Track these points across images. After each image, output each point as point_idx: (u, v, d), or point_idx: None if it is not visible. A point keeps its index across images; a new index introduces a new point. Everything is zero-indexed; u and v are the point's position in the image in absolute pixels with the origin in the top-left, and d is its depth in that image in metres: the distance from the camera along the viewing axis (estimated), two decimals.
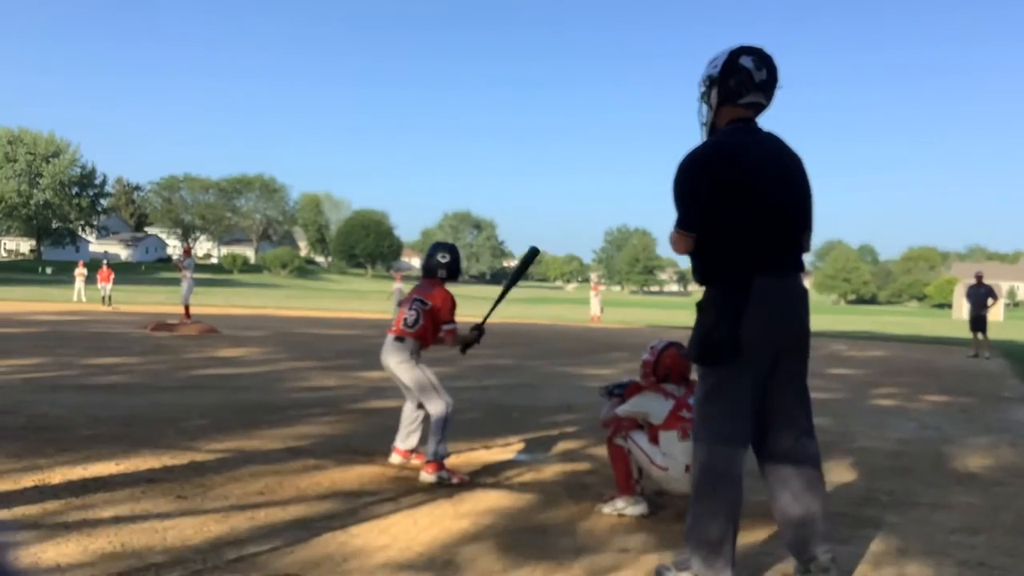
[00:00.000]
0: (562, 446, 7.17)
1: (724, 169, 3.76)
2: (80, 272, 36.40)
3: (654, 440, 5.08)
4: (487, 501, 5.21)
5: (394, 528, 4.55)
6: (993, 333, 22.07)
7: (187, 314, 20.64)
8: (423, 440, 6.03)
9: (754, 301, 3.67)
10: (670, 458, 5.10)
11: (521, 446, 7.09)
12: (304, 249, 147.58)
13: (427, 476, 5.69)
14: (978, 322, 21.09)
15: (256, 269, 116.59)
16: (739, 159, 3.78)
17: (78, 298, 35.00)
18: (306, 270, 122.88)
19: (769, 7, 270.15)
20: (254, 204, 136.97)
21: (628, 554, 4.26)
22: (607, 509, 5.08)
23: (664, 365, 5.34)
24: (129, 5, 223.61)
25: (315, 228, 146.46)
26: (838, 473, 6.29)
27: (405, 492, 5.33)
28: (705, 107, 3.98)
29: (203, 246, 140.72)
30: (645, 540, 4.51)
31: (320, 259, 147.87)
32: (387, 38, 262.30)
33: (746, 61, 3.81)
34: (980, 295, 21.33)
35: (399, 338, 6.02)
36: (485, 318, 6.26)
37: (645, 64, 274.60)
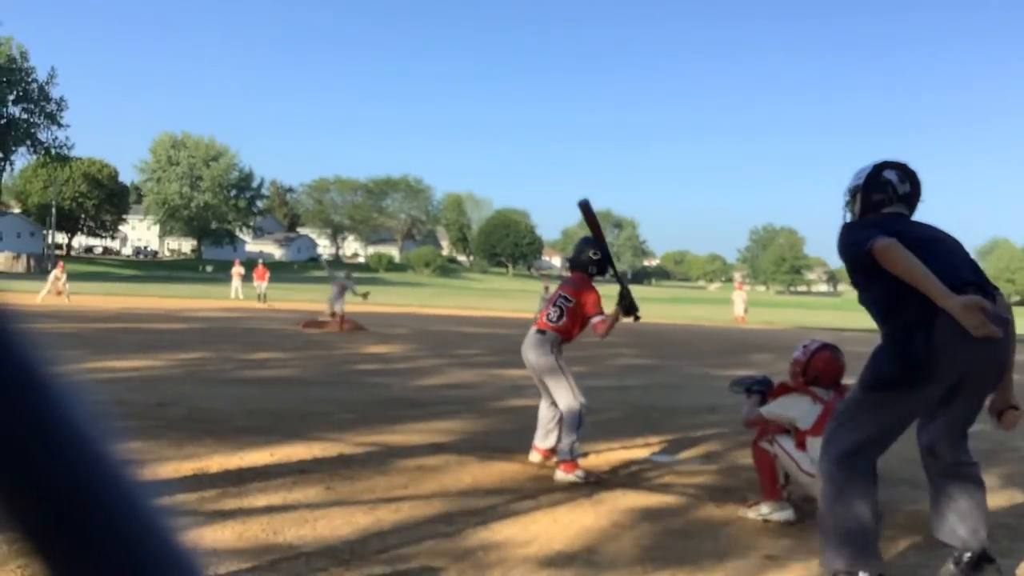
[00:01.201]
0: (703, 448, 7.05)
1: (888, 224, 3.78)
2: (237, 271, 37.90)
3: (801, 445, 4.93)
4: (627, 501, 5.18)
5: (534, 526, 4.57)
6: None
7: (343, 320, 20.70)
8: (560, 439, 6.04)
9: (949, 322, 3.44)
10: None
11: (661, 447, 7.01)
12: (446, 248, 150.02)
13: (563, 475, 5.70)
14: None
15: (401, 268, 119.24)
16: (897, 223, 3.83)
17: (235, 295, 36.48)
18: (448, 269, 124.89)
19: None
20: (399, 204, 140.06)
21: (774, 561, 4.16)
22: (751, 514, 4.96)
23: (815, 367, 5.18)
24: (274, 6, 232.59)
25: (457, 227, 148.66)
26: (999, 483, 5.97)
27: (545, 490, 5.36)
28: (848, 214, 4.11)
29: (351, 246, 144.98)
30: (791, 546, 4.39)
31: (462, 258, 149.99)
32: (528, 36, 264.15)
33: (890, 175, 3.99)
34: None
35: (541, 331, 6.06)
36: (622, 283, 6.22)
37: (793, 58, 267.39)
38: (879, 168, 4.03)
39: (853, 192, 4.09)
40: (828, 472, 3.75)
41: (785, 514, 4.92)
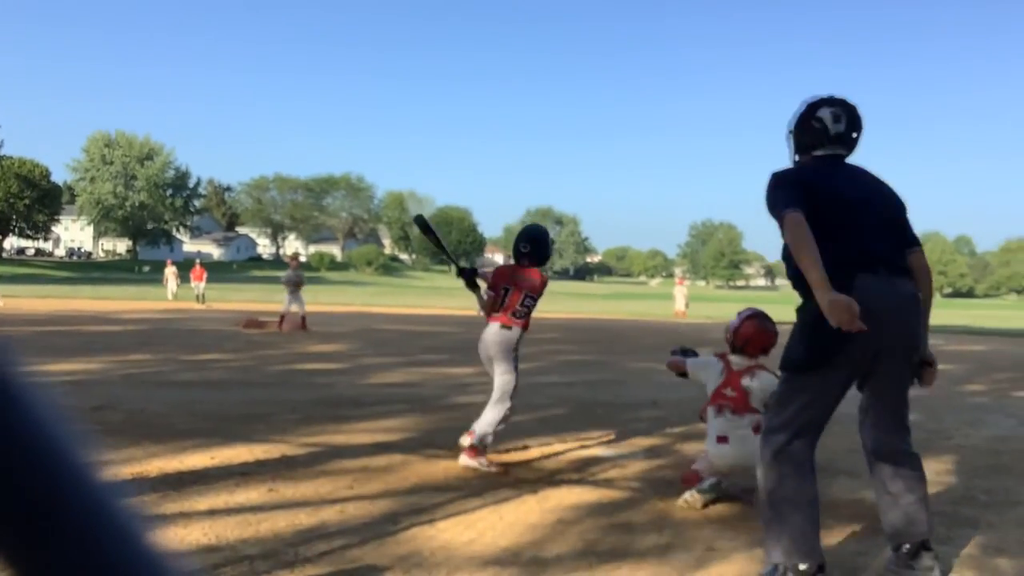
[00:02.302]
0: (647, 442, 7.12)
1: (811, 179, 3.76)
2: (171, 271, 37.22)
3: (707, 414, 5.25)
4: (572, 497, 5.21)
5: (480, 523, 4.58)
6: None
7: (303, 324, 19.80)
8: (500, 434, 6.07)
9: (858, 301, 3.44)
10: (709, 432, 5.18)
11: (606, 442, 7.06)
12: (389, 246, 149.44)
13: (466, 460, 5.82)
14: None
15: (343, 267, 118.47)
16: (823, 176, 3.81)
17: (172, 296, 35.94)
18: (391, 267, 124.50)
19: None
20: (340, 203, 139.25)
21: (717, 553, 4.21)
22: (679, 502, 5.05)
23: (743, 335, 5.29)
24: (212, 4, 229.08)
25: (399, 225, 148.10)
26: (934, 471, 6.11)
27: (490, 488, 5.36)
28: (792, 156, 4.07)
29: (292, 245, 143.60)
30: (735, 538, 4.45)
31: (404, 256, 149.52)
32: (468, 36, 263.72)
33: (824, 113, 3.86)
34: None
35: (506, 326, 6.14)
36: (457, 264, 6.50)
37: (730, 55, 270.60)
38: (812, 107, 3.90)
39: (788, 134, 4.04)
40: (766, 462, 3.76)
41: (693, 497, 5.02)
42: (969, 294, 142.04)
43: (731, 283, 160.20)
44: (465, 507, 4.89)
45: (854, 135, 3.91)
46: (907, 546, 3.80)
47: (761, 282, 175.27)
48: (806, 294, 3.63)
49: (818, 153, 3.89)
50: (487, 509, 4.87)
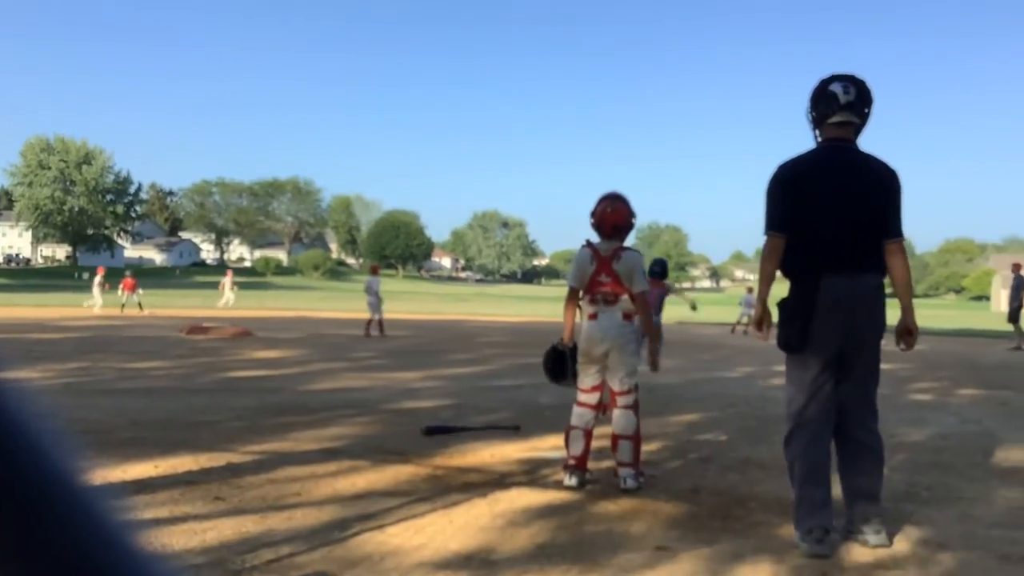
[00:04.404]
0: (595, 444, 7.13)
1: (802, 179, 4.43)
2: (97, 280, 34.50)
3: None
4: (522, 500, 5.21)
5: (430, 528, 4.55)
6: None
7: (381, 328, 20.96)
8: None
9: (823, 298, 4.31)
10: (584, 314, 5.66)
11: (554, 444, 7.06)
12: (335, 251, 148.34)
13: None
14: (1012, 314, 20.82)
15: (289, 272, 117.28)
16: (815, 172, 4.44)
17: (92, 303, 33.44)
18: (338, 272, 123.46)
19: None
20: (286, 207, 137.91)
21: (666, 551, 4.24)
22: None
23: (597, 215, 5.71)
24: (154, 7, 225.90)
25: (346, 230, 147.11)
26: None
27: (440, 492, 5.34)
28: (813, 132, 4.59)
29: (236, 250, 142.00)
30: (682, 537, 4.48)
31: (351, 260, 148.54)
32: (412, 38, 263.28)
33: (835, 87, 4.40)
34: (1014, 286, 21.08)
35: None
36: None
37: (674, 57, 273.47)
38: (825, 82, 4.45)
39: (808, 107, 4.53)
40: (785, 441, 4.52)
41: (568, 480, 5.49)
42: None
43: (678, 285, 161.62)
44: (415, 511, 4.86)
45: (865, 108, 4.45)
46: (861, 516, 4.34)
47: (707, 283, 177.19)
48: (788, 278, 4.49)
49: (833, 120, 4.40)
50: (437, 513, 4.85)
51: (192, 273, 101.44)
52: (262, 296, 42.06)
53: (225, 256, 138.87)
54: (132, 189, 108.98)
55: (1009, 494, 5.62)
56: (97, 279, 33.44)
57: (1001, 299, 49.49)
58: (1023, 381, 13.16)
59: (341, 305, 44.24)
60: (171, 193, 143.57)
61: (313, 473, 5.72)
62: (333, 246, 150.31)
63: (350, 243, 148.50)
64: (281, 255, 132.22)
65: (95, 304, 32.13)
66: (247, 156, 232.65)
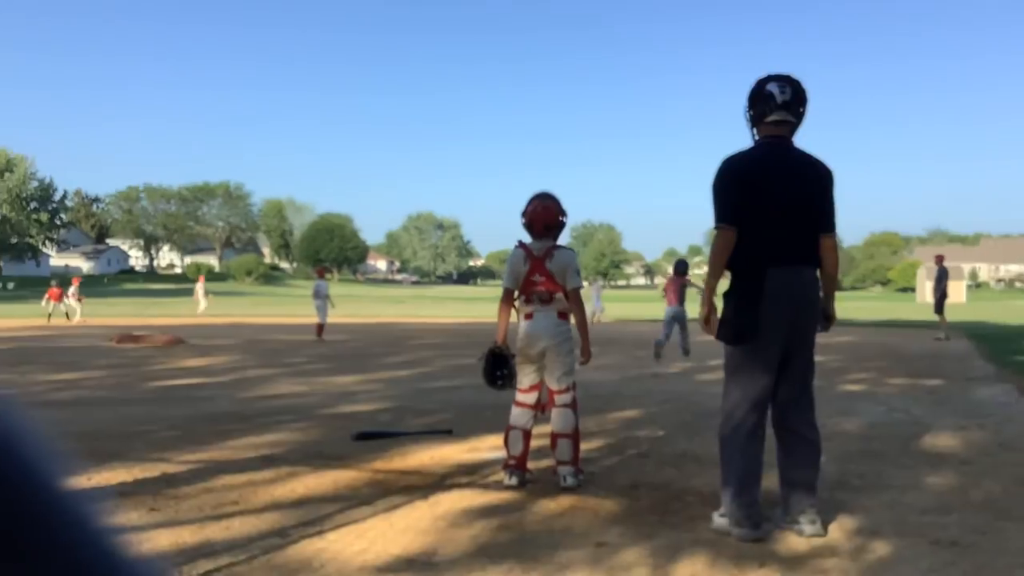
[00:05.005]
0: (535, 443, 7.15)
1: (747, 174, 4.54)
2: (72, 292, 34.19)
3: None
4: (463, 501, 5.21)
5: (371, 532, 4.53)
6: (956, 315, 22.36)
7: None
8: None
9: (768, 291, 4.42)
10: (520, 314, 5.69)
11: (494, 445, 7.07)
12: (268, 255, 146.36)
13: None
14: (937, 304, 21.41)
15: (221, 278, 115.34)
16: (759, 168, 4.54)
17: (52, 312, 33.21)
18: (271, 276, 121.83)
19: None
20: (217, 212, 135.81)
21: (606, 547, 4.28)
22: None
23: (528, 215, 5.74)
24: (76, 14, 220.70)
25: (279, 234, 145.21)
26: None
27: (381, 496, 5.31)
28: (751, 130, 4.69)
29: (166, 256, 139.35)
30: (623, 532, 4.53)
31: (285, 265, 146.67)
32: (339, 42, 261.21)
33: (772, 87, 4.52)
34: (938, 278, 21.69)
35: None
36: None
37: (602, 59, 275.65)
38: (762, 82, 4.57)
39: (745, 107, 4.64)
40: (724, 436, 4.58)
41: (508, 480, 5.51)
42: (837, 287, 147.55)
43: (612, 283, 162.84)
44: (355, 516, 4.83)
45: (800, 108, 4.56)
46: (797, 506, 4.44)
47: (641, 281, 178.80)
48: (732, 271, 4.59)
49: (770, 119, 4.52)
50: (378, 517, 4.83)
51: (121, 280, 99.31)
52: (193, 303, 41.40)
53: (155, 263, 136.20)
54: (56, 196, 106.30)
55: (937, 480, 5.78)
56: (73, 289, 33.04)
57: (926, 290, 50.96)
58: (949, 370, 13.51)
59: (276, 310, 43.74)
60: (97, 200, 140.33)
61: (251, 481, 5.65)
62: (266, 250, 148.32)
63: (283, 247, 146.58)
64: (212, 261, 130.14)
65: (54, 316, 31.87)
66: (176, 161, 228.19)
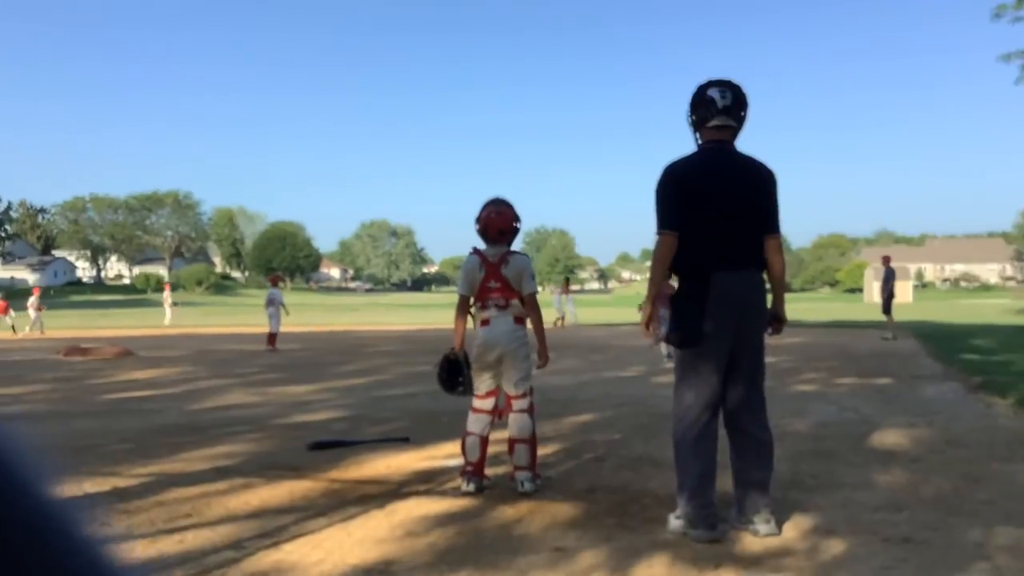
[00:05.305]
0: (491, 449, 7.15)
1: (690, 180, 4.59)
2: (32, 302, 33.81)
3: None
4: (420, 509, 5.19)
5: (327, 542, 4.49)
6: (903, 314, 22.75)
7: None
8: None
9: (715, 293, 4.48)
10: (476, 320, 5.72)
11: (451, 452, 7.05)
12: (219, 265, 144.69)
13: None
14: (885, 304, 21.78)
15: (171, 287, 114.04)
16: (701, 173, 4.61)
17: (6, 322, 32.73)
18: (223, 286, 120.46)
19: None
20: (166, 221, 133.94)
21: (563, 552, 4.28)
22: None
23: (482, 220, 5.78)
24: (14, 18, 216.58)
25: (230, 243, 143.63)
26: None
27: (337, 506, 5.27)
28: (694, 135, 4.75)
29: (114, 267, 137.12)
30: (580, 537, 4.54)
31: (236, 274, 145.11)
32: (288, 46, 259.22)
33: (712, 92, 4.60)
34: (885, 278, 22.08)
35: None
36: None
37: (554, 64, 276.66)
38: (703, 88, 4.65)
39: (688, 112, 4.71)
40: (673, 432, 4.65)
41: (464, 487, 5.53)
42: (787, 289, 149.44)
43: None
44: (312, 527, 4.79)
45: (741, 112, 4.64)
46: (751, 507, 4.49)
47: (595, 285, 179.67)
48: (679, 276, 4.67)
49: (711, 124, 4.59)
50: (334, 527, 4.79)
51: (68, 292, 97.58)
52: (144, 314, 40.84)
53: (102, 274, 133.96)
54: (1, 208, 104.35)
55: (888, 478, 5.87)
56: (33, 300, 32.40)
57: (873, 291, 51.74)
58: (897, 369, 13.73)
59: (227, 320, 43.23)
60: (43, 211, 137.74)
61: (204, 493, 5.58)
62: (217, 260, 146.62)
63: (235, 256, 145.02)
64: (162, 271, 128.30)
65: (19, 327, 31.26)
66: (122, 171, 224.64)
